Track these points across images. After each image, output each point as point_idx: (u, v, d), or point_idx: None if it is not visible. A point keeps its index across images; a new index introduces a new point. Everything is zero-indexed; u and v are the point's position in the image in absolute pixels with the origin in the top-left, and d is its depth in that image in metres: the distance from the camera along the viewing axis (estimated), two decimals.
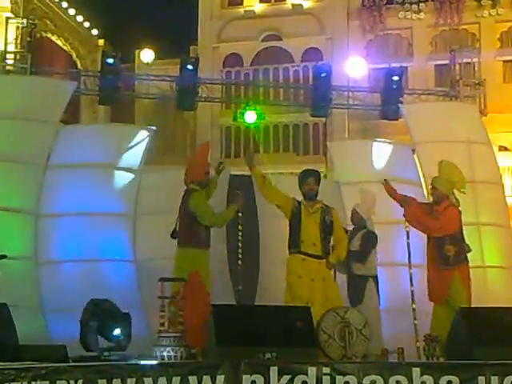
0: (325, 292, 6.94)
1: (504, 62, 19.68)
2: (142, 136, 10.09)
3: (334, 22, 20.61)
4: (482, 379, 5.15)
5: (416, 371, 5.15)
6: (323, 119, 17.57)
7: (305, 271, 6.95)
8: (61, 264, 9.03)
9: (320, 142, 20.09)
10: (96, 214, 9.27)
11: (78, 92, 15.43)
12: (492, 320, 5.94)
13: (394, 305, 8.22)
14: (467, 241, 7.51)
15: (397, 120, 12.85)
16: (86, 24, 21.13)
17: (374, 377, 5.11)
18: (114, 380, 4.92)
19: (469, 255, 7.50)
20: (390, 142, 10.97)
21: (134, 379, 4.93)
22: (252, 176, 7.35)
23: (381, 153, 10.51)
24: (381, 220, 8.14)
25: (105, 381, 4.90)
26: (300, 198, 7.27)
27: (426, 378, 5.13)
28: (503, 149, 17.97)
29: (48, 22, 19.58)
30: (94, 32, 21.42)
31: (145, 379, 4.95)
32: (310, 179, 7.21)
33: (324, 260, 7.03)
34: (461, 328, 5.94)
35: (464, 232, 7.51)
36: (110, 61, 12.71)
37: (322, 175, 7.62)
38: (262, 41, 21.27)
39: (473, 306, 7.09)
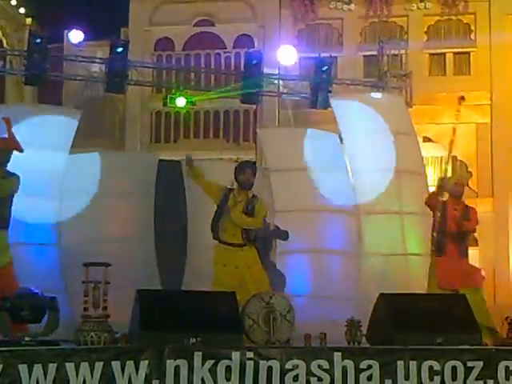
0: (251, 278, 7.04)
1: (430, 54, 20.11)
2: (70, 118, 9.92)
3: (267, 9, 20.64)
4: (400, 363, 5.31)
5: (337, 356, 5.26)
6: (254, 106, 17.63)
7: (229, 259, 7.06)
8: None
9: (250, 129, 20.15)
10: (20, 197, 9.05)
11: (3, 72, 15.04)
12: (412, 306, 6.10)
13: (317, 290, 8.35)
14: (390, 229, 7.67)
15: (326, 109, 13.01)
16: (13, 2, 20.55)
17: (296, 361, 5.20)
18: (35, 365, 4.84)
19: (392, 243, 7.64)
20: (318, 131, 11.12)
21: (56, 364, 4.87)
22: (190, 173, 7.28)
23: (309, 141, 10.65)
24: (306, 207, 8.27)
25: (25, 366, 4.82)
26: (228, 184, 7.31)
27: (346, 362, 5.26)
28: (427, 140, 18.41)
29: None
30: (22, 10, 20.84)
31: (66, 364, 4.89)
32: (247, 170, 7.26)
33: (248, 247, 7.12)
34: (382, 313, 6.09)
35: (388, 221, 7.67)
36: (38, 40, 12.42)
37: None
38: (195, 25, 21.12)
39: (396, 292, 7.26)
